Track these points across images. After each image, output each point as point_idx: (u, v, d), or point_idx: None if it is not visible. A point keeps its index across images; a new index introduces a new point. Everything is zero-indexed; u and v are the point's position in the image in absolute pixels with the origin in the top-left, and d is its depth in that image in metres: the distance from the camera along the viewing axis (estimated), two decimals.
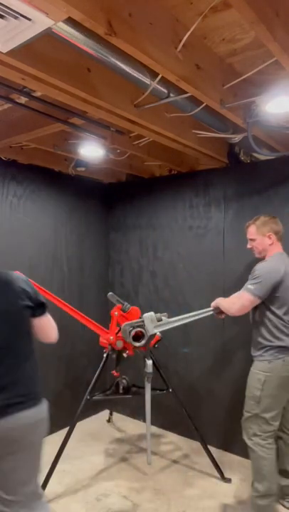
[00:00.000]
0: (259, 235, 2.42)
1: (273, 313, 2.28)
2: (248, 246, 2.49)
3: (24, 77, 1.66)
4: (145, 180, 3.69)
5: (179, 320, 2.53)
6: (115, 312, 2.64)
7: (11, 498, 1.59)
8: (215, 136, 2.49)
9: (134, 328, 2.47)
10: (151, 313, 2.51)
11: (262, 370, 2.26)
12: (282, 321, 2.27)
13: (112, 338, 2.59)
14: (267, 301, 2.27)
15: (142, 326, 2.48)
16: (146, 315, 2.50)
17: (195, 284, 3.22)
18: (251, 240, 2.47)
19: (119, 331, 2.56)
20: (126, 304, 2.64)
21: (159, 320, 2.51)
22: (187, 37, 1.54)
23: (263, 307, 2.30)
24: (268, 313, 2.29)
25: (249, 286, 2.26)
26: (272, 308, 2.28)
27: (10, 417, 1.56)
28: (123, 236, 3.78)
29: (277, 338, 2.25)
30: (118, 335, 2.59)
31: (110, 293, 2.66)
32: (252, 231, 2.45)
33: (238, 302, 2.31)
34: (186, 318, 2.53)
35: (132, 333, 2.46)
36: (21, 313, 1.67)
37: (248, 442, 2.28)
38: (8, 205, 3.02)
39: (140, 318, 2.54)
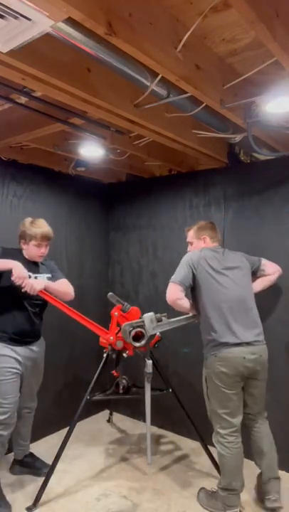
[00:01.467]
0: (195, 238, 2.61)
1: (197, 302, 2.40)
2: (188, 249, 2.64)
3: (24, 77, 1.66)
4: (145, 180, 3.69)
5: (179, 320, 2.54)
6: (115, 312, 2.63)
7: None
8: (215, 136, 2.49)
9: (134, 328, 2.47)
10: (151, 313, 2.51)
11: (204, 367, 2.39)
12: (209, 312, 2.32)
13: (112, 338, 2.59)
14: (195, 293, 2.40)
15: (142, 326, 2.48)
16: (146, 315, 2.50)
17: None
18: (190, 243, 2.64)
19: (119, 331, 2.56)
20: (126, 304, 2.64)
21: (159, 320, 2.51)
22: (187, 37, 1.54)
23: (195, 302, 2.42)
24: (199, 308, 2.40)
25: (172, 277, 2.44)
26: (198, 298, 2.39)
27: None
28: (123, 236, 3.78)
29: (208, 333, 2.33)
30: (118, 335, 2.59)
31: (110, 293, 2.66)
32: (190, 235, 2.65)
33: (167, 292, 2.44)
34: (186, 318, 2.54)
35: (132, 333, 2.46)
36: None
37: (212, 439, 2.36)
38: (8, 205, 3.02)
39: (140, 318, 2.54)
